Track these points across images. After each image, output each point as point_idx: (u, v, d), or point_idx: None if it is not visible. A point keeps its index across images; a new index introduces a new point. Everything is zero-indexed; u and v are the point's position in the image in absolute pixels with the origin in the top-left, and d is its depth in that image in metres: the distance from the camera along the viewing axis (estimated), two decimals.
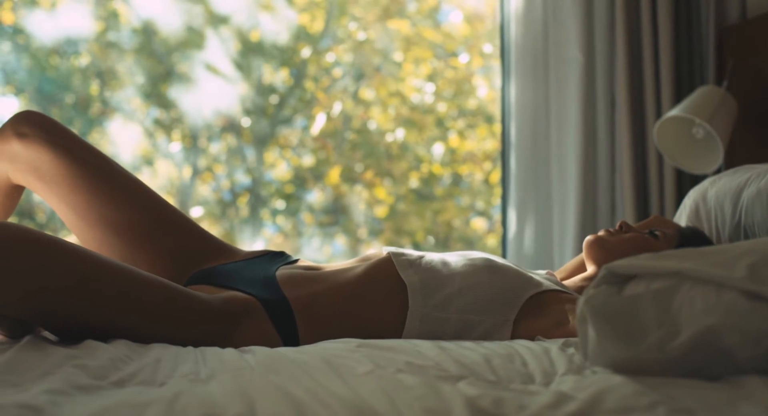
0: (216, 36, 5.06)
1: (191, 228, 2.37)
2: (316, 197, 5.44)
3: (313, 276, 2.16)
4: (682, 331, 1.28)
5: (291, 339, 2.01)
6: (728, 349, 1.27)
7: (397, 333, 2.08)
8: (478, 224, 5.67)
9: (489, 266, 2.17)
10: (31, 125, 2.20)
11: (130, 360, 1.58)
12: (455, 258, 2.21)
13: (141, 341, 1.81)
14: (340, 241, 5.50)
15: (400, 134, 5.43)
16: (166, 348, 1.74)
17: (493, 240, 5.39)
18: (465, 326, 2.08)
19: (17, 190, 2.28)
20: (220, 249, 2.36)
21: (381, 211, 5.44)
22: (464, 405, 1.11)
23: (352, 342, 1.77)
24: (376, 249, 2.32)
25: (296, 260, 2.33)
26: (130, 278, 1.87)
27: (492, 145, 5.37)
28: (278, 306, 2.03)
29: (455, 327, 2.07)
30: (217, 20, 5.07)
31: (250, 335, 1.96)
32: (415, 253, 2.22)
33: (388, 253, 2.20)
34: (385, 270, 2.15)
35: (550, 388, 1.32)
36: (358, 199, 5.36)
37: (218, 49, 5.06)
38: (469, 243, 5.51)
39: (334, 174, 5.28)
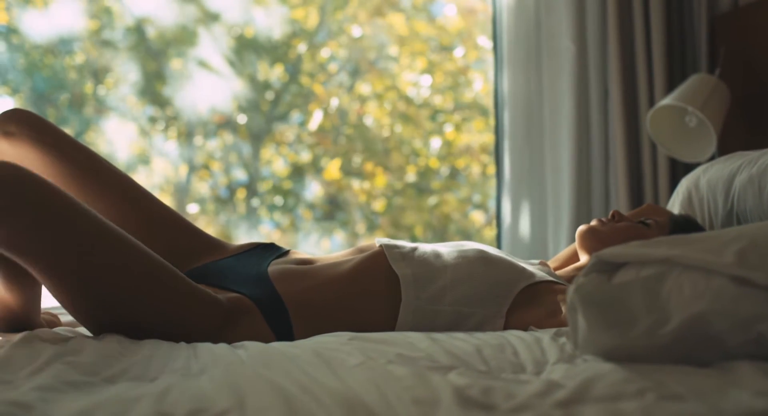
0: (210, 33, 5.06)
1: (181, 225, 2.36)
2: (313, 192, 5.44)
3: (306, 271, 2.15)
4: (672, 318, 1.28)
5: (285, 336, 2.00)
6: (717, 335, 1.27)
7: (390, 326, 2.07)
8: (476, 216, 5.67)
9: (482, 257, 2.17)
10: (18, 124, 2.17)
11: (121, 357, 1.59)
12: (448, 250, 2.21)
13: (136, 320, 1.84)
14: (338, 236, 5.50)
15: (396, 128, 5.43)
16: (158, 344, 1.75)
17: (491, 233, 5.39)
18: (458, 318, 2.07)
19: None
20: (210, 245, 2.35)
21: (379, 205, 5.44)
22: (453, 395, 1.11)
23: (344, 335, 1.77)
24: (371, 242, 2.31)
25: (287, 252, 2.32)
26: (148, 256, 1.90)
27: (489, 138, 5.37)
28: (272, 305, 2.03)
29: (448, 319, 2.07)
30: (211, 17, 5.06)
31: (244, 333, 1.96)
32: (407, 245, 2.21)
33: (381, 246, 2.20)
34: (378, 263, 2.14)
35: (540, 377, 1.32)
36: (355, 193, 5.36)
37: (212, 46, 5.06)
38: (467, 236, 5.51)
39: (333, 168, 5.28)
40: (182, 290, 1.93)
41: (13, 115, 2.18)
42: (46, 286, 1.84)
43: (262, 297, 2.04)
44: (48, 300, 2.04)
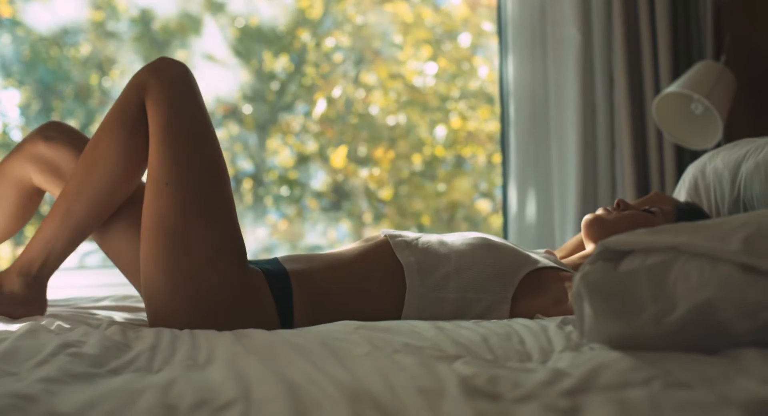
0: (214, 23, 5.05)
1: None
2: (320, 182, 5.44)
3: (312, 256, 2.22)
4: (678, 306, 1.28)
5: (286, 312, 2.04)
6: (724, 323, 1.27)
7: (395, 314, 2.10)
8: (483, 205, 5.66)
9: (486, 244, 2.19)
10: (57, 130, 2.33)
11: (126, 348, 1.59)
12: (452, 238, 2.23)
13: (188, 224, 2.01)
14: (345, 225, 5.50)
15: (401, 117, 5.43)
16: (162, 333, 1.75)
17: (497, 221, 5.38)
18: (463, 305, 2.09)
19: (38, 193, 2.38)
20: None
21: (385, 194, 5.43)
22: (459, 384, 1.11)
23: (350, 325, 1.77)
24: (377, 232, 2.34)
25: None
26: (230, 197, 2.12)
27: (494, 126, 5.36)
28: (277, 278, 2.08)
29: (453, 306, 2.09)
30: (215, 7, 5.05)
31: (251, 308, 2.03)
32: (411, 234, 2.24)
33: (385, 235, 2.22)
34: (383, 252, 2.18)
35: (546, 366, 1.32)
36: (361, 182, 5.35)
37: (217, 36, 5.05)
38: (474, 225, 5.51)
39: (339, 157, 5.28)
40: (234, 237, 2.09)
41: (53, 124, 2.36)
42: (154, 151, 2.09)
43: (271, 271, 2.10)
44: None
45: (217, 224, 2.05)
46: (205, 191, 2.06)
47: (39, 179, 2.31)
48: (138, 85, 2.11)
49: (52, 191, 2.31)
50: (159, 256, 2.00)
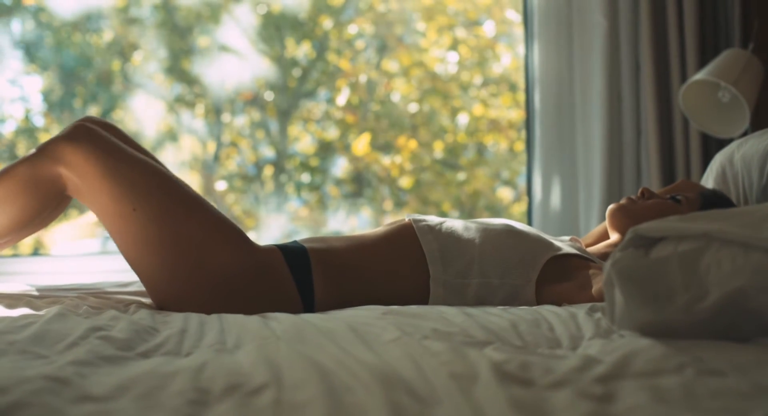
0: (237, 9, 5.05)
1: None
2: (340, 169, 5.44)
3: (333, 237, 2.24)
4: (710, 293, 1.27)
5: (307, 289, 2.07)
6: (757, 310, 1.26)
7: (418, 298, 2.11)
8: (504, 193, 5.65)
9: (509, 231, 2.20)
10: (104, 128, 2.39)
11: (155, 331, 1.59)
12: (476, 225, 2.24)
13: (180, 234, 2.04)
14: (366, 213, 5.50)
15: (424, 104, 5.42)
16: (190, 317, 1.75)
17: (519, 209, 5.38)
18: (487, 290, 2.10)
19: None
20: None
21: (406, 182, 5.43)
22: (491, 370, 1.10)
23: (378, 309, 1.78)
24: (399, 218, 2.35)
25: None
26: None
27: (516, 113, 5.35)
28: (295, 254, 2.11)
29: (477, 291, 2.10)
30: None
31: (270, 280, 2.07)
32: (436, 219, 2.25)
33: (410, 219, 2.23)
34: (406, 235, 2.19)
35: (577, 352, 1.31)
36: (383, 170, 5.35)
37: (239, 23, 5.05)
38: (496, 213, 5.50)
39: (360, 144, 5.27)
40: (228, 224, 2.13)
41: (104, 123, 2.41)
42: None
43: (289, 248, 2.14)
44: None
45: (200, 217, 2.09)
46: (174, 197, 2.10)
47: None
48: (55, 154, 2.11)
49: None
50: (161, 265, 2.05)
